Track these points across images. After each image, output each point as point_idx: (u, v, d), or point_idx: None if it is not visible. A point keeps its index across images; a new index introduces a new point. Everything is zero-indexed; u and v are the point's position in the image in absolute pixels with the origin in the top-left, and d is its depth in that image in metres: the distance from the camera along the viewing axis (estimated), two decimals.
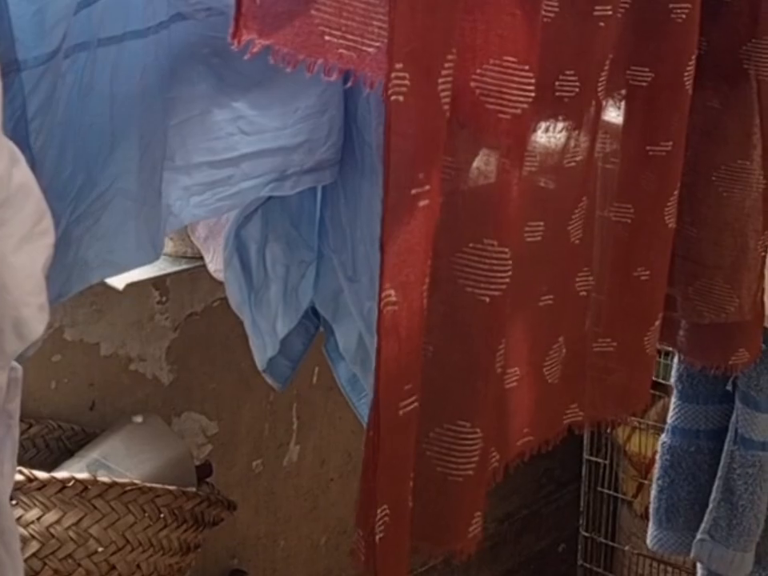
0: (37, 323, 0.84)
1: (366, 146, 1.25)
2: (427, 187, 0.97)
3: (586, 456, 2.36)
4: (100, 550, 1.35)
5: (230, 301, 1.42)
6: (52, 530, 1.32)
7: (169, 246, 1.67)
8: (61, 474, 1.34)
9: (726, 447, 1.78)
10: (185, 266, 1.66)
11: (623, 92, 1.33)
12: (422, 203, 0.97)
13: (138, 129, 1.11)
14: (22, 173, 0.83)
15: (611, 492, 2.35)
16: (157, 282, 1.65)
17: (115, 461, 1.48)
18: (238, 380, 1.76)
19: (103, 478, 1.36)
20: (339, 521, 2.00)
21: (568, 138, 1.20)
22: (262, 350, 1.44)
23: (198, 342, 1.72)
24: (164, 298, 1.67)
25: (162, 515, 1.41)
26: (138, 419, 1.57)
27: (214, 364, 1.74)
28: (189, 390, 1.72)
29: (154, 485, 1.41)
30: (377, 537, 1.00)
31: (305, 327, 1.46)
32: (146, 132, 1.12)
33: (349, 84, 0.93)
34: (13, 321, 0.82)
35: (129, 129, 1.11)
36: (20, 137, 0.94)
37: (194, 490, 1.48)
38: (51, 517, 1.32)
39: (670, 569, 2.30)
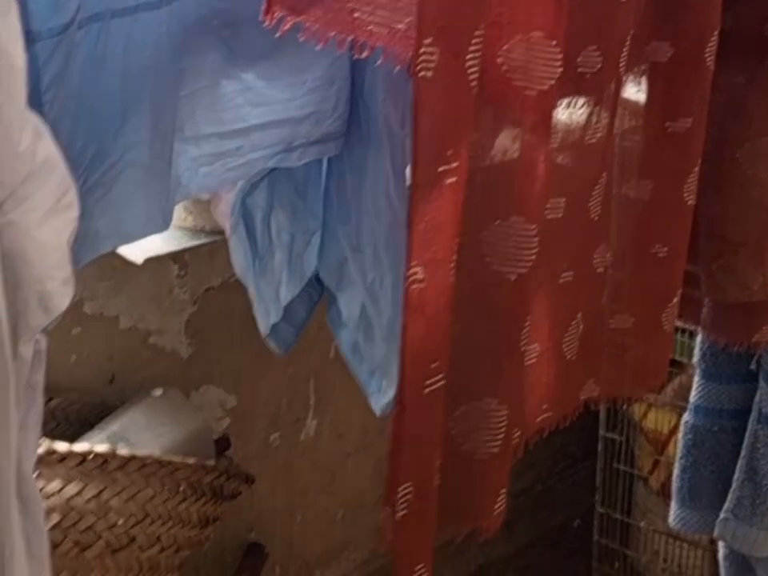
0: (61, 297, 0.85)
1: (372, 119, 1.26)
2: (455, 164, 0.97)
3: (601, 432, 2.36)
4: (120, 522, 1.36)
5: (235, 267, 1.44)
6: (73, 502, 1.33)
7: (188, 221, 1.67)
8: (81, 446, 1.35)
9: (749, 426, 1.77)
10: (204, 241, 1.67)
11: (643, 67, 1.33)
12: (450, 180, 0.97)
13: (150, 100, 1.12)
14: (47, 147, 0.83)
15: (627, 468, 2.35)
16: (176, 256, 1.66)
17: (135, 434, 1.49)
18: (256, 354, 1.76)
19: (123, 451, 1.37)
20: (356, 495, 2.01)
21: (589, 115, 1.20)
22: (266, 316, 1.47)
23: (217, 316, 1.72)
24: (183, 272, 1.68)
25: (181, 488, 1.42)
26: (158, 392, 1.57)
27: (232, 338, 1.74)
28: (207, 363, 1.73)
29: (173, 458, 1.41)
30: (399, 514, 1.01)
31: (308, 294, 1.48)
32: (157, 103, 1.12)
33: (372, 57, 0.93)
34: (38, 294, 0.83)
35: (140, 100, 1.11)
36: (34, 108, 0.94)
37: (212, 463, 1.49)
38: (72, 489, 1.33)
39: (686, 545, 2.31)
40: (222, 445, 1.62)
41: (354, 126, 1.29)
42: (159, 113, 1.12)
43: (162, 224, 1.18)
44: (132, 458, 1.36)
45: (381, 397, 1.42)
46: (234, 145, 1.21)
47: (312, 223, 1.41)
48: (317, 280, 1.46)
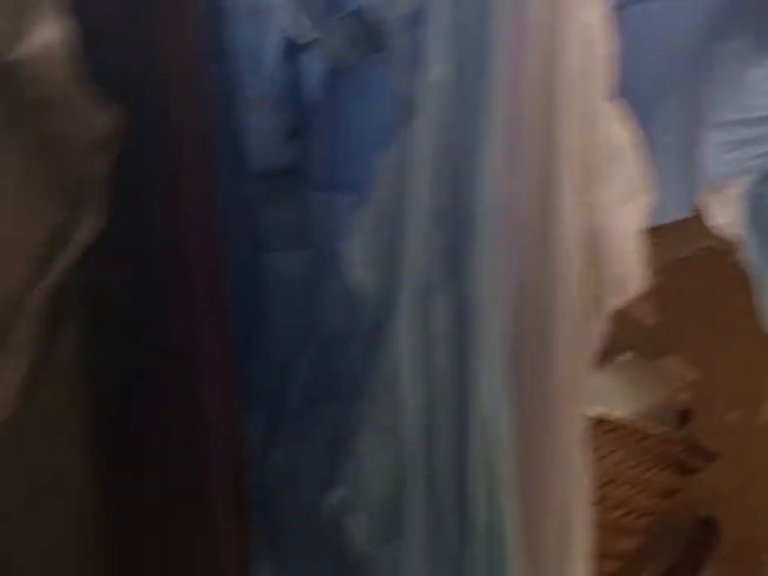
0: (634, 280, 0.87)
1: None
2: None
3: None
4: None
5: (747, 256, 1.42)
6: None
7: None
8: None
9: None
10: None
11: None
12: None
13: (683, 84, 1.14)
14: (623, 133, 0.86)
15: None
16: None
17: (602, 397, 1.51)
18: (721, 329, 1.73)
19: (594, 413, 1.39)
20: None
21: None
22: None
23: (684, 288, 1.71)
24: (653, 242, 1.67)
25: (648, 455, 1.43)
26: (624, 358, 1.59)
27: (698, 310, 1.73)
28: (671, 333, 1.72)
29: (642, 424, 1.43)
30: None
31: None
32: (689, 87, 1.15)
33: None
34: (612, 275, 0.85)
35: (676, 83, 1.14)
36: None
37: (678, 435, 1.49)
38: None
39: None
40: (684, 418, 1.62)
41: None
42: (691, 97, 1.15)
43: (688, 208, 1.20)
44: (604, 420, 1.39)
45: None
46: (758, 133, 1.20)
47: None
48: None
